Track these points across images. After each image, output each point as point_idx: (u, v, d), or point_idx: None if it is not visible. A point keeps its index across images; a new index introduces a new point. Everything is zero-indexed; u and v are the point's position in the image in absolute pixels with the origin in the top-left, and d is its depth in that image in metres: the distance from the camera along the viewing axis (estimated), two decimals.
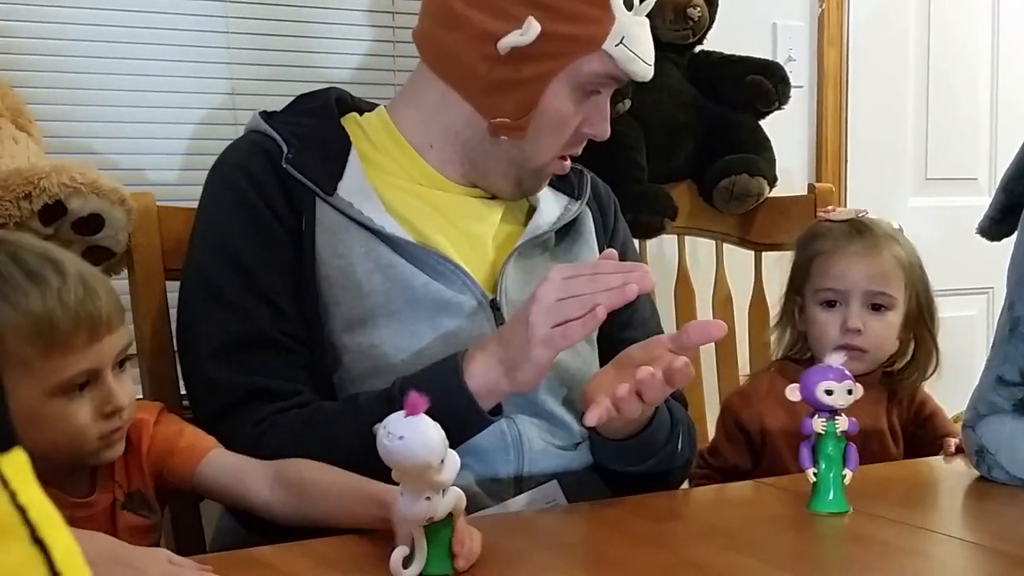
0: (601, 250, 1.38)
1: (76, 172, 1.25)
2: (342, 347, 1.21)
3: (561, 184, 1.39)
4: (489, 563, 0.93)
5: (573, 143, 1.31)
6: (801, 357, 1.50)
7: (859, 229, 1.45)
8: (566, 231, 1.36)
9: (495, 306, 1.25)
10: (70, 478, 1.03)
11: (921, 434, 1.49)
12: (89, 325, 0.96)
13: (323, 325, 1.21)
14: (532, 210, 1.36)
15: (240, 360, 1.16)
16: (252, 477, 1.06)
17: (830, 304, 1.44)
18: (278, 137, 1.26)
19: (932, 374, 1.50)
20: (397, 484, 0.87)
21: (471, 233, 1.30)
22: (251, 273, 1.21)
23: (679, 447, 1.26)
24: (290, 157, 1.24)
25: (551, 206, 1.36)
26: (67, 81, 1.66)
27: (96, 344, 0.96)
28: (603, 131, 1.30)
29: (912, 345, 1.49)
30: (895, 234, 1.49)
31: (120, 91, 1.70)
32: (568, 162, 1.33)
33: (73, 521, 0.98)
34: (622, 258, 1.41)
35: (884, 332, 1.43)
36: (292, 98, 1.38)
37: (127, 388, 1.02)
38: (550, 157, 1.30)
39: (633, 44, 1.25)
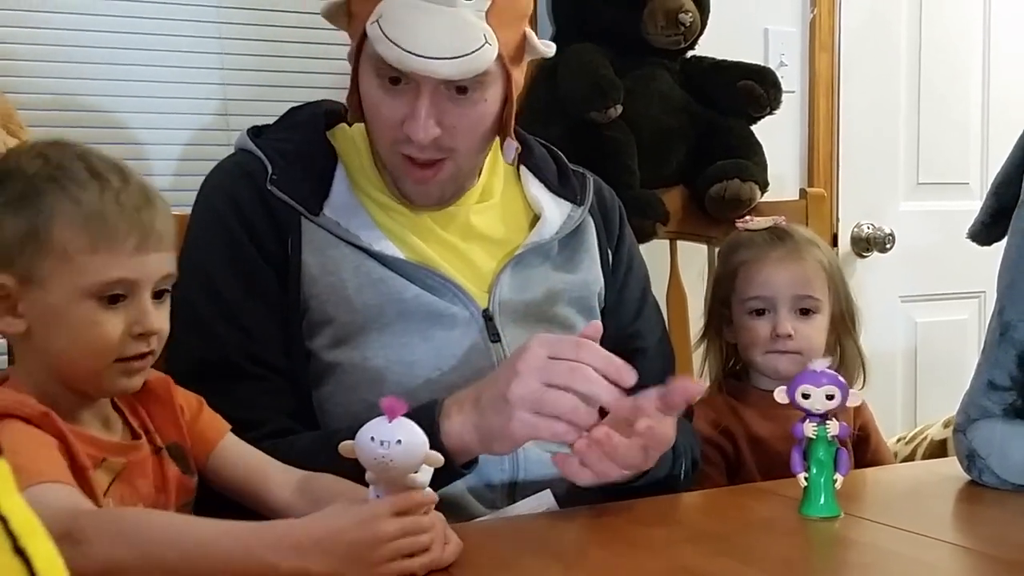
0: (603, 259, 1.37)
1: None
2: (332, 363, 1.20)
3: (563, 189, 1.37)
4: (479, 568, 0.93)
5: (403, 140, 1.20)
6: (737, 368, 1.52)
7: (779, 236, 1.48)
8: (567, 240, 1.34)
9: (488, 316, 1.25)
10: (110, 420, 0.99)
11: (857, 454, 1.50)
12: (140, 232, 0.93)
13: (310, 345, 1.20)
14: (536, 218, 1.34)
15: (207, 387, 1.11)
16: (278, 477, 1.03)
17: (759, 312, 1.45)
18: (263, 157, 1.25)
19: (861, 380, 1.50)
20: None
21: (460, 245, 1.28)
22: (223, 297, 1.20)
23: (681, 475, 1.25)
24: (274, 178, 1.23)
25: (554, 213, 1.34)
26: (58, 87, 1.67)
27: (142, 255, 0.93)
28: (413, 131, 1.17)
29: (838, 350, 1.50)
30: (814, 239, 1.51)
31: (113, 97, 1.70)
32: (421, 170, 1.22)
33: (127, 467, 0.96)
34: (628, 267, 1.40)
35: (814, 334, 1.45)
36: (285, 105, 1.37)
37: (163, 318, 0.97)
38: (384, 150, 1.24)
39: (388, 25, 1.14)
